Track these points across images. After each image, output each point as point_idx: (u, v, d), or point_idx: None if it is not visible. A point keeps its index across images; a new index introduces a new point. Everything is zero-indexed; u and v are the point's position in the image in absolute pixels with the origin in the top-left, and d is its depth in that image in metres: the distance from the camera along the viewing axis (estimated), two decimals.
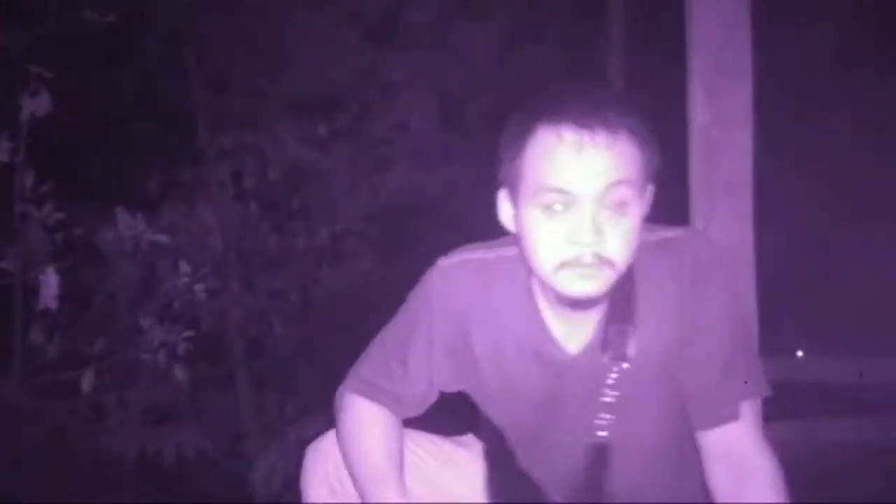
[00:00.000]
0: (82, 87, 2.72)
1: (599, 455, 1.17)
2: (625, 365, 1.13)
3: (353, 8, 3.63)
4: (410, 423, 1.29)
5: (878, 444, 1.80)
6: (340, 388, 1.27)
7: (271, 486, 2.77)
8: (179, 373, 2.54)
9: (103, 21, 2.42)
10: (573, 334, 1.16)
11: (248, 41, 3.45)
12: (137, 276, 2.59)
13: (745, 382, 1.13)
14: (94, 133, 3.20)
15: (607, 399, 1.14)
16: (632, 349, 1.13)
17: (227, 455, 2.98)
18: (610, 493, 1.18)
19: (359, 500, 1.20)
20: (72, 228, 2.42)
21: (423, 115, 3.80)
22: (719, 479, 1.12)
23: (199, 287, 2.57)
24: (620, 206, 1.04)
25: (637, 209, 1.06)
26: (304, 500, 1.28)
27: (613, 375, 1.14)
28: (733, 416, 1.12)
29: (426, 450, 1.30)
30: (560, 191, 1.04)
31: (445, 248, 1.25)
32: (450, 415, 1.34)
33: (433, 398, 1.26)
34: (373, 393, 1.23)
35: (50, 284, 2.23)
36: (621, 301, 1.13)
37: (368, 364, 1.25)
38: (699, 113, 1.62)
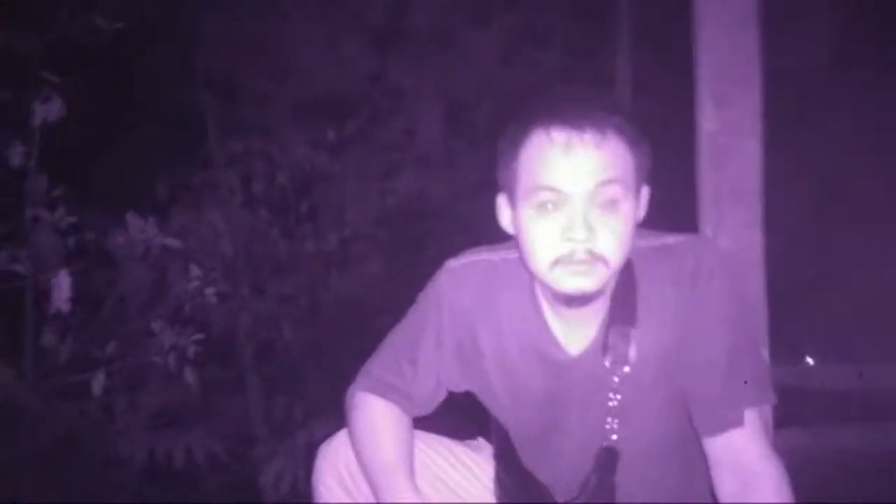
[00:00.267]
0: (93, 92, 2.75)
1: (608, 459, 1.18)
2: (626, 368, 1.14)
3: (360, 15, 3.65)
4: (422, 426, 1.31)
5: (886, 451, 1.79)
6: (351, 387, 1.30)
7: (279, 490, 2.78)
8: (189, 376, 2.55)
9: (113, 27, 2.44)
10: (575, 336, 1.18)
11: (257, 47, 3.48)
12: (148, 280, 2.61)
13: (750, 389, 1.14)
14: (106, 138, 3.23)
15: (611, 403, 1.16)
16: (632, 352, 1.14)
17: (236, 458, 2.99)
18: (617, 495, 1.19)
19: (370, 497, 1.22)
20: (83, 232, 2.44)
21: (430, 120, 3.82)
22: (725, 484, 1.13)
23: (209, 291, 2.59)
24: (611, 204, 1.07)
25: (629, 208, 1.09)
26: (316, 498, 1.29)
27: (615, 378, 1.15)
28: (737, 423, 1.12)
29: (437, 451, 1.31)
30: (552, 189, 1.07)
31: (453, 252, 1.28)
32: (461, 418, 1.35)
33: (442, 397, 1.28)
34: (384, 391, 1.26)
35: (62, 287, 2.25)
36: (622, 304, 1.15)
37: (379, 363, 1.28)
38: (707, 119, 1.62)
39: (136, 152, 3.26)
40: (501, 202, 1.17)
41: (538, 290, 1.19)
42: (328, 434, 1.31)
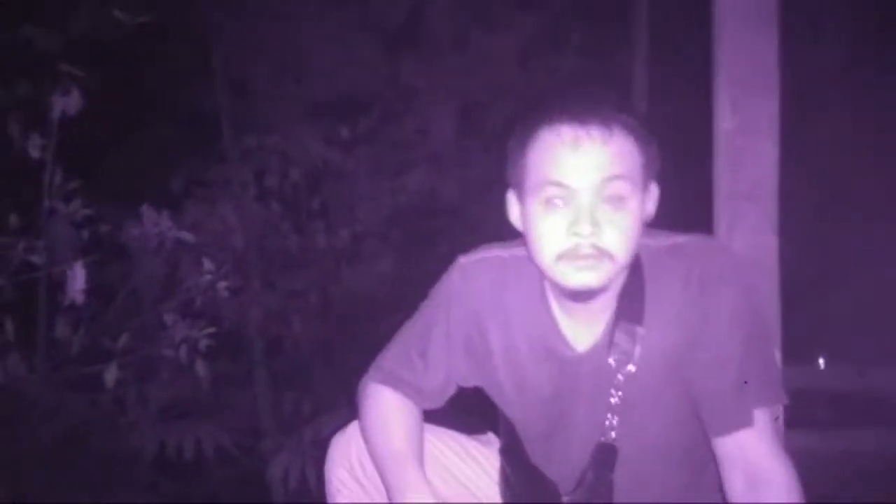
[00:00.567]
0: (111, 86, 2.77)
1: (605, 455, 1.19)
2: (630, 367, 1.15)
3: (376, 16, 3.66)
4: (434, 420, 1.32)
5: None
6: (363, 380, 1.32)
7: (288, 484, 2.79)
8: (201, 369, 2.56)
9: (133, 22, 2.46)
10: (582, 333, 1.19)
11: (273, 46, 3.49)
12: (161, 273, 2.63)
13: (759, 389, 1.14)
14: (122, 132, 3.25)
15: (613, 400, 1.16)
16: (637, 350, 1.15)
17: (245, 452, 3.00)
18: (617, 493, 1.19)
19: (381, 488, 1.24)
20: (98, 225, 2.45)
21: (443, 120, 3.82)
22: (734, 485, 1.13)
23: (221, 285, 2.60)
24: (618, 200, 1.09)
25: (636, 204, 1.11)
26: (327, 488, 1.32)
27: (619, 376, 1.16)
28: (746, 424, 1.13)
29: (447, 445, 1.33)
30: (558, 184, 1.09)
31: (464, 250, 1.30)
32: (473, 413, 1.36)
33: (452, 391, 1.30)
34: (395, 383, 1.28)
35: (77, 279, 2.27)
36: (630, 302, 1.16)
37: (391, 356, 1.30)
38: (724, 120, 1.63)
39: (152, 147, 3.29)
40: (511, 199, 1.19)
41: (547, 287, 1.20)
42: (336, 429, 1.34)
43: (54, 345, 2.51)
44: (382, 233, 3.62)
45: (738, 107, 1.61)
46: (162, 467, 2.84)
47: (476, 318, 1.24)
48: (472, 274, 1.25)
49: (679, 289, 1.14)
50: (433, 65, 3.77)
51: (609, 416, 1.17)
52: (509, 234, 1.24)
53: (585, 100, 1.11)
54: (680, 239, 1.18)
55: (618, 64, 3.82)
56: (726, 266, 1.15)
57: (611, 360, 1.16)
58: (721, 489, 1.17)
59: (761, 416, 1.13)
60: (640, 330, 1.14)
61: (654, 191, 1.16)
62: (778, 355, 1.53)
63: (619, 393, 1.16)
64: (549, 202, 1.10)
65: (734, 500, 1.14)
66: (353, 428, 1.30)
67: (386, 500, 1.22)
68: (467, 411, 1.37)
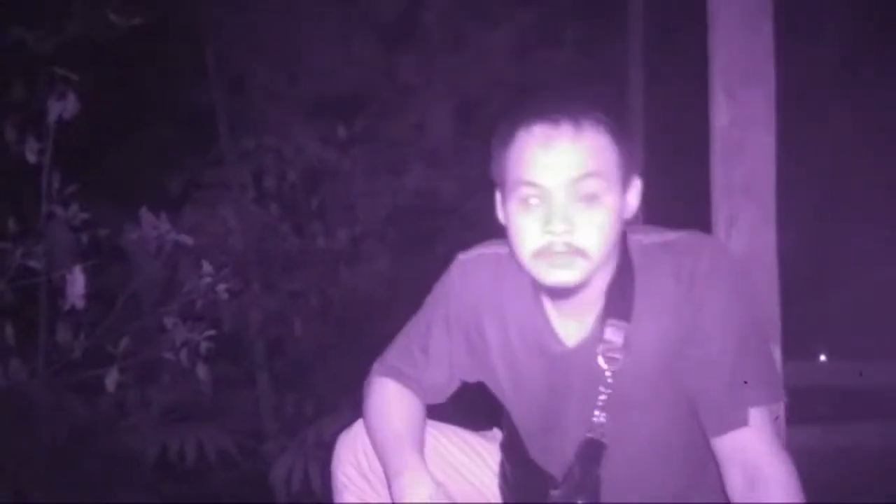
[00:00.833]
0: (106, 88, 2.76)
1: (591, 451, 1.19)
2: (615, 356, 1.15)
3: (370, 12, 3.66)
4: (440, 417, 1.33)
5: None
6: (369, 376, 1.34)
7: (291, 486, 2.79)
8: (202, 371, 2.56)
9: (128, 24, 2.45)
10: (573, 328, 1.20)
11: (268, 45, 3.49)
12: (161, 276, 2.63)
13: (755, 388, 1.13)
14: (118, 134, 3.25)
15: (601, 396, 1.17)
16: (624, 345, 1.15)
17: (247, 455, 3.00)
18: (608, 490, 1.19)
19: (386, 482, 1.23)
20: (97, 228, 2.45)
21: (440, 117, 3.82)
22: (733, 483, 1.13)
23: (221, 287, 2.60)
24: (592, 198, 1.10)
25: (612, 201, 1.11)
26: (334, 483, 1.33)
27: (608, 373, 1.16)
28: (742, 422, 1.12)
29: (450, 440, 1.34)
30: (532, 184, 1.11)
31: (464, 248, 1.32)
32: (479, 410, 1.37)
33: (454, 386, 1.32)
34: (397, 376, 1.30)
35: (76, 283, 2.27)
36: (619, 299, 1.16)
37: (394, 352, 1.33)
38: (720, 113, 1.62)
39: (149, 148, 3.28)
40: (497, 198, 1.20)
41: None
42: (339, 430, 1.36)
43: (55, 349, 2.50)
44: (381, 233, 3.62)
45: (734, 100, 1.61)
46: (164, 470, 2.84)
47: (474, 313, 1.26)
48: (470, 270, 1.28)
49: (669, 285, 1.14)
50: (430, 62, 3.77)
51: (597, 412, 1.17)
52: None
53: (557, 99, 1.13)
54: (672, 235, 1.18)
55: (614, 58, 3.81)
56: (718, 262, 1.15)
57: (599, 356, 1.16)
58: (724, 489, 1.17)
59: (758, 415, 1.12)
60: (628, 326, 1.15)
61: (636, 185, 1.17)
62: (778, 352, 1.52)
63: (608, 389, 1.16)
64: (524, 201, 1.12)
65: (735, 501, 1.13)
66: (358, 425, 1.32)
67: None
68: (474, 408, 1.38)
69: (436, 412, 1.33)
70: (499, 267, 1.24)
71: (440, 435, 1.33)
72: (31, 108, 2.38)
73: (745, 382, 1.13)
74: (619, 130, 1.12)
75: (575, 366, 1.19)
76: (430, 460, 1.24)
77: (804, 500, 1.11)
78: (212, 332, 2.58)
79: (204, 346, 2.56)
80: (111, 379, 2.43)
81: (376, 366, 1.34)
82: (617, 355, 1.15)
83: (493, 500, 1.34)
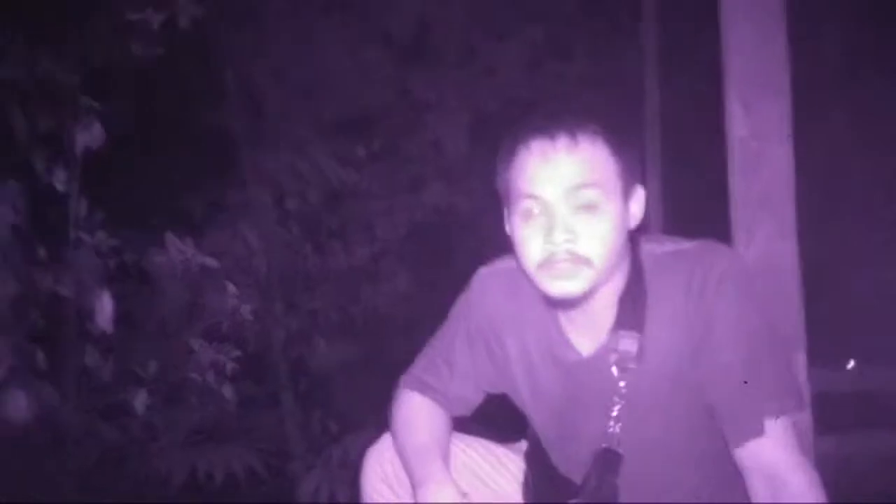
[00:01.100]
0: (130, 116, 2.82)
1: (608, 461, 1.19)
2: (629, 365, 1.16)
3: (384, 30, 3.70)
4: (468, 430, 1.35)
5: None
6: (396, 389, 1.36)
7: None
8: (228, 392, 2.59)
9: (150, 54, 2.51)
10: (586, 338, 1.21)
11: (285, 67, 3.54)
12: (186, 299, 2.66)
13: (770, 398, 1.13)
14: (142, 160, 3.30)
15: (616, 405, 1.18)
16: (637, 355, 1.16)
17: (274, 474, 3.01)
18: (625, 498, 1.20)
19: (411, 492, 1.24)
20: (124, 254, 2.50)
21: (455, 133, 3.85)
22: (756, 493, 1.13)
23: (245, 308, 2.63)
24: (591, 208, 1.12)
25: (612, 210, 1.13)
26: (361, 494, 1.35)
27: (621, 382, 1.17)
28: (757, 433, 1.12)
29: (476, 451, 1.36)
30: (532, 196, 1.13)
31: (481, 263, 1.34)
32: (506, 422, 1.38)
33: (479, 398, 1.34)
34: (422, 388, 1.33)
35: (105, 308, 2.31)
36: (631, 308, 1.17)
37: (420, 365, 1.36)
38: (737, 124, 1.63)
39: (171, 173, 3.33)
40: (505, 213, 1.23)
41: None
42: (365, 447, 1.37)
43: (85, 373, 2.55)
44: (400, 250, 3.64)
45: (750, 111, 1.61)
46: (193, 491, 2.86)
47: (493, 326, 1.29)
48: (489, 284, 1.30)
49: (681, 294, 1.15)
50: (443, 79, 3.80)
51: (612, 421, 1.18)
52: None
53: (555, 113, 1.16)
54: (684, 244, 1.19)
55: (628, 69, 3.82)
56: (730, 270, 1.15)
57: (612, 366, 1.17)
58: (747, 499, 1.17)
59: (776, 424, 1.12)
60: (640, 336, 1.15)
61: (639, 194, 1.18)
62: (802, 360, 1.52)
63: (622, 399, 1.17)
64: (526, 214, 1.14)
65: None
66: (385, 439, 1.34)
67: None
68: (503, 420, 1.39)
69: (466, 424, 1.35)
70: (515, 279, 1.25)
71: (466, 447, 1.35)
72: (58, 137, 2.44)
73: (759, 391, 1.13)
74: (617, 141, 1.14)
75: (589, 375, 1.21)
76: (455, 471, 1.26)
77: None
78: (237, 353, 2.61)
79: (230, 366, 2.60)
80: (140, 401, 2.47)
81: (403, 379, 1.36)
82: (630, 365, 1.16)
83: None
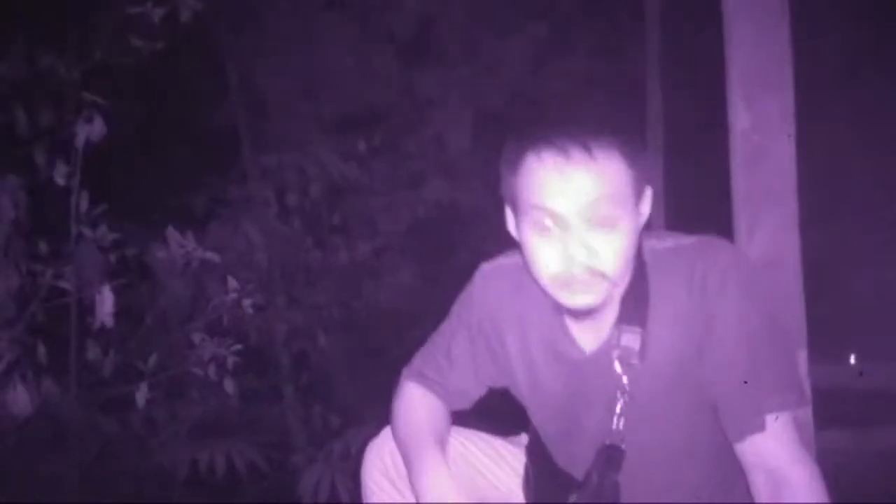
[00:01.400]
0: (131, 110, 2.82)
1: (610, 457, 1.20)
2: (632, 361, 1.16)
3: (387, 28, 3.70)
4: (469, 424, 1.35)
5: None
6: (398, 382, 1.37)
7: (318, 498, 2.80)
8: (229, 386, 2.60)
9: (151, 49, 2.51)
10: (590, 335, 1.21)
11: (288, 64, 3.54)
12: (188, 293, 2.66)
13: (772, 393, 1.13)
14: (143, 155, 3.31)
15: (619, 402, 1.18)
16: (639, 351, 1.16)
17: (275, 467, 3.02)
18: (626, 494, 1.20)
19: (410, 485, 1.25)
20: (125, 248, 2.50)
21: (458, 129, 3.85)
22: (757, 489, 1.13)
23: (246, 302, 2.64)
24: (608, 220, 1.10)
25: (627, 221, 1.12)
26: (363, 489, 1.36)
27: (624, 378, 1.17)
28: (759, 428, 1.12)
29: (476, 445, 1.37)
30: (547, 211, 1.10)
31: (483, 259, 1.35)
32: (508, 416, 1.39)
33: (480, 392, 1.35)
34: (422, 380, 1.34)
35: (106, 302, 2.31)
36: (633, 305, 1.17)
37: (420, 358, 1.37)
38: (739, 119, 1.62)
39: (173, 168, 3.34)
40: (508, 212, 1.22)
41: None
42: (366, 441, 1.39)
43: (86, 367, 2.55)
44: (402, 245, 3.64)
45: (753, 106, 1.61)
46: (194, 484, 2.87)
47: (494, 322, 1.29)
48: (491, 280, 1.31)
49: (683, 290, 1.15)
50: (446, 76, 3.80)
51: (615, 418, 1.18)
52: None
53: (567, 122, 1.12)
54: (685, 240, 1.19)
55: (631, 65, 3.81)
56: (731, 266, 1.15)
57: (615, 362, 1.17)
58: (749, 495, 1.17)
59: (778, 419, 1.12)
60: (643, 332, 1.15)
61: (647, 194, 1.17)
62: (804, 356, 1.52)
63: (625, 395, 1.17)
64: (540, 227, 1.12)
65: (758, 502, 1.13)
66: (386, 432, 1.35)
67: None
68: (504, 413, 1.40)
69: (466, 418, 1.36)
70: (518, 276, 1.26)
71: (467, 441, 1.36)
72: (59, 132, 2.44)
73: (760, 387, 1.13)
74: (631, 149, 1.12)
75: (592, 372, 1.21)
76: (455, 464, 1.26)
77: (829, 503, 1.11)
78: (238, 347, 2.62)
79: (231, 360, 2.60)
80: (141, 395, 2.47)
81: (404, 371, 1.37)
82: (633, 361, 1.16)
83: (516, 503, 1.35)
